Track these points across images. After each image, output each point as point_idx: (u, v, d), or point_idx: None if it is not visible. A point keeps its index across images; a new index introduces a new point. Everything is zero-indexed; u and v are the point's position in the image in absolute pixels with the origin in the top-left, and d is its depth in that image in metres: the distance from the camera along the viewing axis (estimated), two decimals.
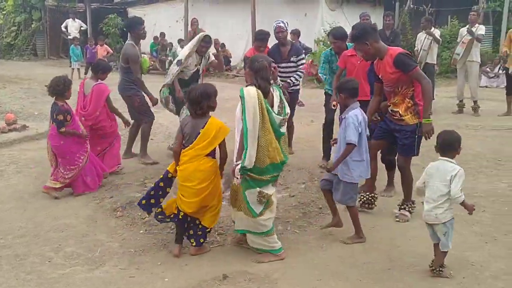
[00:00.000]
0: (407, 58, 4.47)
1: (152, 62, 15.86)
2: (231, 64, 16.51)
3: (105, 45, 16.07)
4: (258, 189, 3.83)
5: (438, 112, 9.99)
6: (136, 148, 7.03)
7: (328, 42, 6.62)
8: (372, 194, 4.95)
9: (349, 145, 4.10)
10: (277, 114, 3.85)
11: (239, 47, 16.34)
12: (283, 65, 6.64)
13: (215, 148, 3.95)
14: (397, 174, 5.18)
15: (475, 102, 9.95)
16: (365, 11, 9.62)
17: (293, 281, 3.69)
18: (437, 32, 10.00)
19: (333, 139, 4.63)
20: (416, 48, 10.19)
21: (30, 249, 4.22)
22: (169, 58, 15.67)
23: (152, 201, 4.10)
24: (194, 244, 4.08)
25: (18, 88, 13.10)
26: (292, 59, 6.73)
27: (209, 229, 4.11)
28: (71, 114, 5.38)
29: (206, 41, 6.45)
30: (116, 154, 6.35)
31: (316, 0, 16.02)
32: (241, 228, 4.05)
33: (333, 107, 6.09)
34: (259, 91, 3.76)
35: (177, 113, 6.69)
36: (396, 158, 5.00)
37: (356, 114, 4.15)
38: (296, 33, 10.91)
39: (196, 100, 3.91)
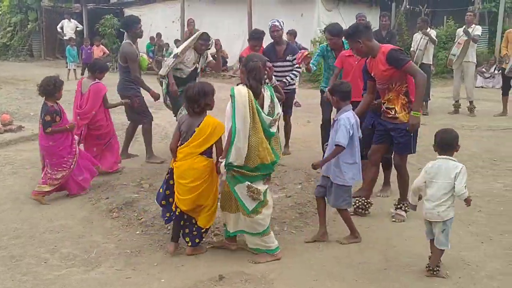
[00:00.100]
0: (399, 54, 4.49)
1: (150, 60, 15.86)
2: (228, 64, 16.52)
3: (101, 46, 16.05)
4: (247, 183, 3.83)
5: (434, 113, 10.04)
6: (133, 149, 7.03)
7: (325, 44, 6.60)
8: (368, 200, 4.93)
9: (338, 146, 4.08)
10: (267, 115, 3.84)
11: (236, 47, 16.33)
12: (279, 64, 6.65)
13: (211, 146, 3.93)
14: (393, 173, 5.20)
15: (471, 102, 10.00)
16: (361, 12, 9.67)
17: (290, 281, 3.69)
18: (433, 33, 10.03)
19: (326, 144, 4.62)
20: (412, 49, 10.22)
21: (26, 250, 4.21)
22: (166, 58, 15.64)
23: (171, 200, 4.10)
24: (189, 244, 4.07)
25: (14, 89, 13.07)
26: (287, 58, 6.73)
27: (204, 229, 4.09)
28: (60, 115, 5.30)
29: (204, 38, 6.44)
30: (115, 154, 6.34)
31: (313, 1, 16.03)
32: (238, 229, 4.03)
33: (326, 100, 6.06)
34: (250, 91, 3.76)
35: (174, 111, 6.69)
36: (392, 157, 5.01)
37: (348, 117, 4.13)
38: (292, 34, 10.92)
39: (194, 98, 3.91)
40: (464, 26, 9.87)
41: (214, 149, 4.03)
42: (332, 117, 6.17)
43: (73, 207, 5.18)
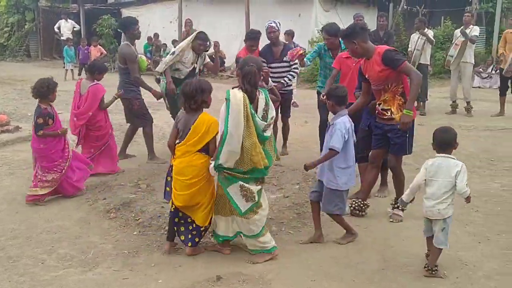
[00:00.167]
0: (394, 54, 4.50)
1: (149, 61, 15.84)
2: (226, 65, 16.51)
3: (98, 46, 16.03)
4: (240, 182, 3.82)
5: (432, 113, 10.06)
6: (130, 149, 7.02)
7: (323, 43, 6.59)
8: (365, 202, 4.92)
9: (331, 150, 4.08)
10: (262, 119, 3.82)
11: (234, 47, 16.32)
12: (275, 65, 6.65)
13: (208, 144, 3.92)
14: (390, 173, 5.20)
15: (468, 102, 10.02)
16: (359, 12, 9.66)
17: (287, 281, 3.68)
18: (430, 33, 10.05)
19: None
20: (409, 49, 10.24)
21: (23, 251, 4.20)
22: (163, 59, 15.65)
23: None
24: (190, 244, 4.06)
25: (11, 89, 13.06)
26: (284, 59, 6.73)
27: (203, 228, 4.08)
28: (53, 118, 5.24)
29: (202, 38, 6.43)
30: (113, 155, 6.33)
31: (310, 1, 16.05)
32: (232, 233, 4.03)
33: (322, 97, 6.04)
34: (245, 95, 3.75)
35: (172, 113, 6.68)
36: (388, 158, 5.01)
37: (344, 122, 4.12)
38: (290, 34, 10.91)
39: (190, 94, 3.90)
40: (462, 27, 9.88)
41: None
42: (329, 119, 6.21)
43: (70, 207, 5.17)
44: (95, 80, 6.15)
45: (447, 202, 3.67)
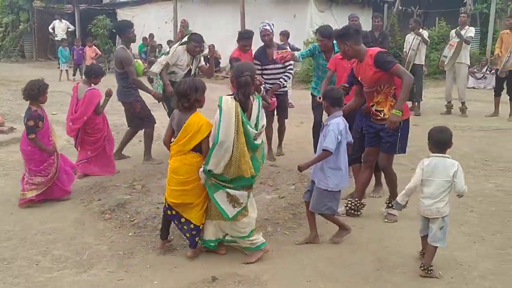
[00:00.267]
0: (386, 56, 4.52)
1: (145, 65, 15.80)
2: (221, 65, 16.49)
3: (93, 47, 15.99)
4: (226, 190, 3.83)
5: (427, 113, 10.09)
6: (126, 150, 7.01)
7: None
8: (360, 201, 4.93)
9: (325, 151, 4.08)
10: (254, 127, 3.81)
11: (229, 48, 16.18)
12: (270, 67, 6.66)
13: (200, 143, 3.90)
14: None
15: (463, 103, 10.06)
16: (354, 13, 9.69)
17: (283, 282, 3.68)
18: (425, 33, 10.09)
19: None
20: (404, 50, 10.28)
21: (17, 252, 4.18)
22: (158, 59, 15.62)
23: None
24: (190, 246, 4.05)
25: (6, 90, 13.00)
26: None
27: (202, 226, 4.05)
28: (43, 120, 5.17)
29: (197, 40, 6.42)
30: (109, 156, 6.32)
31: (305, 2, 16.06)
32: (221, 236, 4.03)
33: (318, 99, 6.05)
34: (237, 103, 3.73)
35: (169, 114, 6.68)
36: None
37: (338, 123, 4.13)
38: (285, 35, 10.95)
39: (184, 93, 3.88)
40: (457, 28, 9.92)
41: None
42: (324, 120, 6.20)
43: (65, 209, 5.15)
44: (92, 84, 6.13)
45: (445, 201, 3.71)
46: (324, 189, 4.17)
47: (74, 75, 15.74)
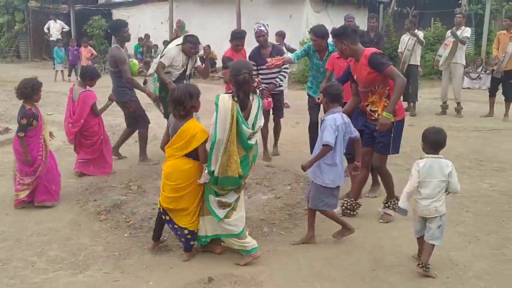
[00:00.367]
0: (380, 58, 4.53)
1: (140, 65, 15.76)
2: (217, 66, 16.47)
3: (89, 47, 15.94)
4: (217, 198, 3.83)
5: (422, 114, 10.13)
6: (122, 150, 7.00)
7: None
8: (356, 201, 4.95)
9: (325, 146, 4.07)
10: (251, 127, 3.78)
11: (225, 48, 16.16)
12: (265, 67, 6.66)
13: (195, 150, 3.88)
14: None
15: (458, 103, 10.11)
16: (350, 13, 9.71)
17: (279, 282, 3.69)
18: (420, 34, 10.13)
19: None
20: (400, 50, 10.31)
21: (13, 253, 4.16)
22: (154, 60, 15.60)
23: None
24: (185, 249, 4.05)
25: (1, 90, 12.94)
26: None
27: (196, 231, 4.05)
28: (37, 119, 5.09)
29: (193, 41, 6.41)
30: (106, 158, 6.30)
31: (301, 2, 16.08)
32: (213, 233, 4.01)
33: (317, 100, 6.06)
34: (234, 101, 3.71)
35: (165, 115, 6.67)
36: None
37: (334, 118, 4.13)
38: (281, 35, 10.96)
39: (179, 100, 3.86)
40: (453, 28, 9.95)
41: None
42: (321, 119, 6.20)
43: (61, 209, 5.13)
44: (86, 86, 6.12)
45: (442, 200, 3.75)
46: (320, 184, 4.17)
47: (69, 75, 15.69)
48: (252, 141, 3.84)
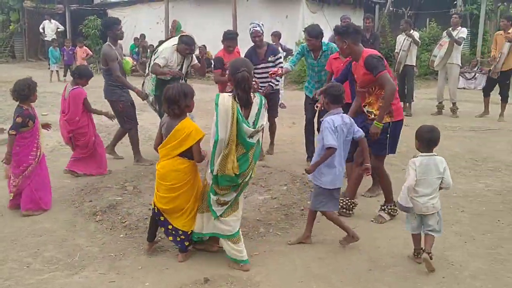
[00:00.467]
0: (376, 61, 4.52)
1: (134, 63, 15.72)
2: (212, 66, 16.47)
3: (84, 47, 15.91)
4: (216, 196, 3.81)
5: (418, 114, 10.15)
6: (118, 151, 6.98)
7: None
8: (352, 200, 4.96)
9: (329, 149, 4.04)
10: (252, 125, 3.74)
11: (220, 48, 16.31)
12: (261, 66, 6.70)
13: (190, 150, 3.86)
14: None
15: (454, 103, 10.14)
16: (346, 14, 9.74)
17: (275, 283, 3.68)
18: (416, 34, 10.16)
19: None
20: (396, 51, 10.34)
21: (8, 254, 4.14)
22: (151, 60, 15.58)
23: None
24: (180, 250, 4.04)
25: None
26: (269, 59, 6.78)
27: (190, 232, 4.05)
28: (33, 120, 5.02)
29: (187, 42, 6.40)
30: (101, 157, 6.28)
31: (297, 2, 16.11)
32: (208, 231, 4.00)
33: (315, 108, 6.08)
34: (234, 101, 3.69)
35: (160, 114, 6.67)
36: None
37: (332, 119, 4.09)
38: (277, 35, 10.96)
39: (174, 99, 3.85)
40: (450, 28, 9.98)
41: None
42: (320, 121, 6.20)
43: (56, 210, 5.11)
44: (78, 85, 6.10)
45: (437, 196, 3.84)
46: (318, 185, 4.18)
47: (65, 75, 15.65)
48: (253, 140, 3.78)
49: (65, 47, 16.09)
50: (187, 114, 4.00)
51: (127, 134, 6.85)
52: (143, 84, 6.92)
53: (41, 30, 18.92)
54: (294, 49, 14.02)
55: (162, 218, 4.01)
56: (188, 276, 3.77)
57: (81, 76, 6.12)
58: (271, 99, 6.84)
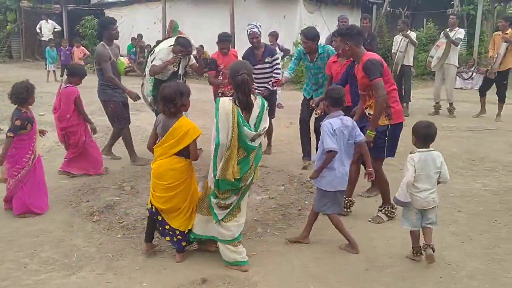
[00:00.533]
0: (373, 67, 4.51)
1: (130, 64, 15.71)
2: None
3: (81, 47, 15.88)
4: (217, 200, 3.80)
5: (415, 114, 10.16)
6: (115, 151, 6.97)
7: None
8: (349, 198, 4.97)
9: (330, 152, 4.03)
10: (253, 128, 3.73)
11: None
12: (259, 66, 6.72)
13: (186, 148, 3.86)
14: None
15: (450, 104, 10.16)
16: (343, 14, 9.72)
17: (273, 283, 3.68)
18: (413, 35, 10.17)
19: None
20: (393, 51, 10.35)
21: (5, 254, 4.13)
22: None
23: None
24: (177, 250, 4.03)
25: None
26: (266, 60, 6.79)
27: (187, 231, 4.04)
28: (32, 123, 5.00)
29: (183, 43, 6.38)
30: (95, 156, 6.26)
31: (295, 3, 16.11)
32: (207, 234, 4.00)
33: (315, 115, 6.12)
34: (234, 104, 3.67)
35: (157, 114, 6.66)
36: None
37: (330, 122, 4.08)
38: (274, 35, 10.94)
39: (170, 98, 3.84)
40: (447, 29, 10.00)
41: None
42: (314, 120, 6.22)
43: (53, 210, 5.10)
44: (71, 83, 6.08)
45: (436, 190, 3.91)
46: (319, 187, 4.18)
47: (61, 76, 15.61)
48: (255, 143, 3.75)
49: (62, 47, 16.05)
50: (182, 113, 4.00)
51: (120, 134, 6.85)
52: (142, 86, 6.92)
53: (38, 30, 18.89)
54: (291, 49, 14.06)
55: (160, 218, 4.00)
56: (186, 276, 3.76)
57: (73, 75, 6.10)
58: (269, 100, 6.82)
